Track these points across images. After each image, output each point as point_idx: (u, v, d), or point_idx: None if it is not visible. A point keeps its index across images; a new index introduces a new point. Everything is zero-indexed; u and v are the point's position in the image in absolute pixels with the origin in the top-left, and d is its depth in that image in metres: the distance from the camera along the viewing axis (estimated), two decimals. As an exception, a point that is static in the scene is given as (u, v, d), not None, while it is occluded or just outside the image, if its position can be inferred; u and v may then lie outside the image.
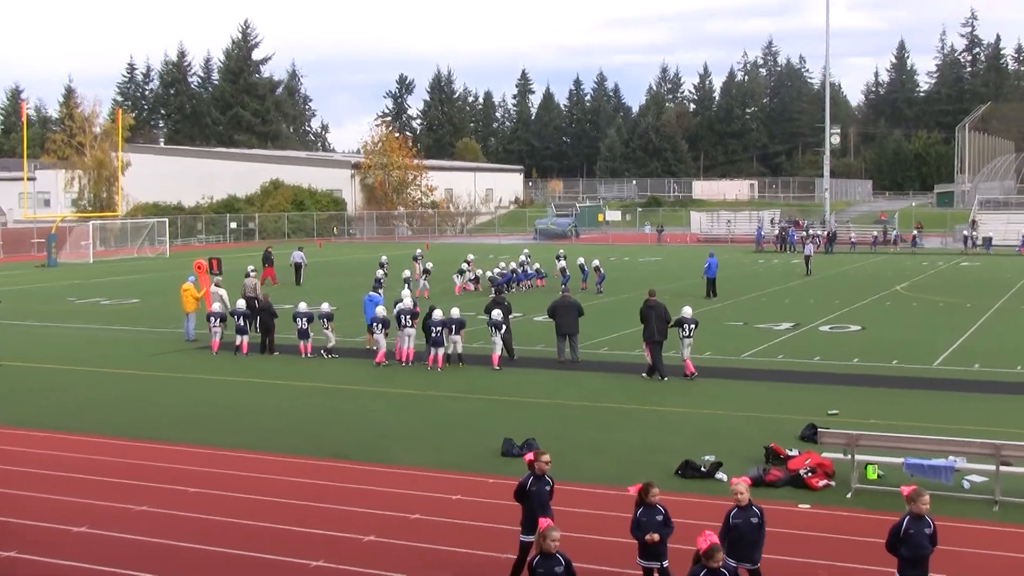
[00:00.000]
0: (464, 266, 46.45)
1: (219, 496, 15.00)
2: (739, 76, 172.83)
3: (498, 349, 25.98)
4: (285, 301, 39.42)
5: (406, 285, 37.41)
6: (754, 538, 10.14)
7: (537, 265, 48.48)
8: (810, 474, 15.27)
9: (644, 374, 24.17)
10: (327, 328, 28.03)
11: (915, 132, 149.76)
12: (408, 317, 26.61)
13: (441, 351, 25.66)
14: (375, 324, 26.91)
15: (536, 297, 41.40)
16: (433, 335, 25.65)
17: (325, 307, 28.82)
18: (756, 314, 36.20)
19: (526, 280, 46.28)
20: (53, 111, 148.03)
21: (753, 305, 39.24)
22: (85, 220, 79.82)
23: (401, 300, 27.93)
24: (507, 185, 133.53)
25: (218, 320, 29.70)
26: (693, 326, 24.18)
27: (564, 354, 26.47)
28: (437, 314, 25.98)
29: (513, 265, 46.94)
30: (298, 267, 51.03)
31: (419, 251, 52.96)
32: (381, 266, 47.13)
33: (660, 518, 10.36)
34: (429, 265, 45.89)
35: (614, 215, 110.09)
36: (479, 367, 25.96)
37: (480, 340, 29.28)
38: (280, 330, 30.48)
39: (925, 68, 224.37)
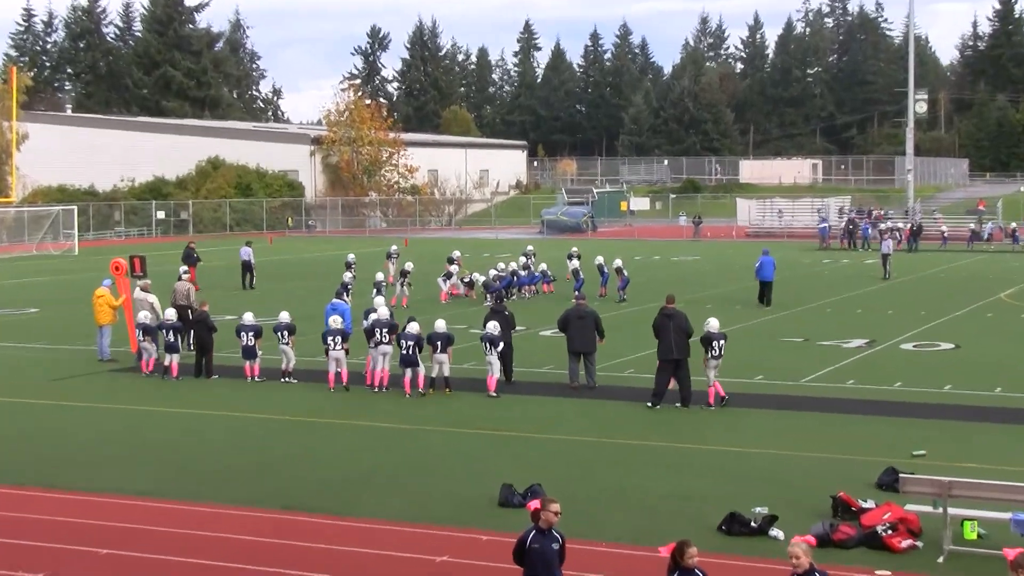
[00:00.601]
0: (452, 267, 46.71)
1: (139, 559, 14.92)
2: (798, 28, 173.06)
3: (495, 371, 26.05)
4: (227, 310, 39.43)
5: (378, 291, 37.43)
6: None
7: (544, 266, 48.67)
8: (890, 532, 15.22)
9: (678, 404, 24.20)
10: (286, 343, 28.12)
11: None
12: (385, 331, 26.66)
13: (421, 372, 25.75)
14: (329, 339, 26.97)
15: (543, 306, 41.69)
16: (404, 352, 25.77)
17: (285, 317, 28.83)
18: (820, 328, 36.23)
19: (530, 285, 46.73)
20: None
21: (816, 317, 39.32)
22: (-29, 208, 79.78)
23: (374, 310, 28.02)
24: (507, 165, 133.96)
25: (141, 333, 29.68)
26: (722, 342, 24.28)
27: (578, 378, 26.55)
28: (412, 327, 26.11)
29: (514, 266, 47.05)
30: (247, 267, 51.18)
31: (395, 248, 52.90)
32: (348, 267, 47.26)
33: (700, 587, 10.31)
34: (409, 265, 45.68)
35: (641, 203, 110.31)
36: (471, 393, 26.00)
37: (473, 359, 29.30)
38: (220, 347, 30.44)
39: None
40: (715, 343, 24.17)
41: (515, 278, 45.57)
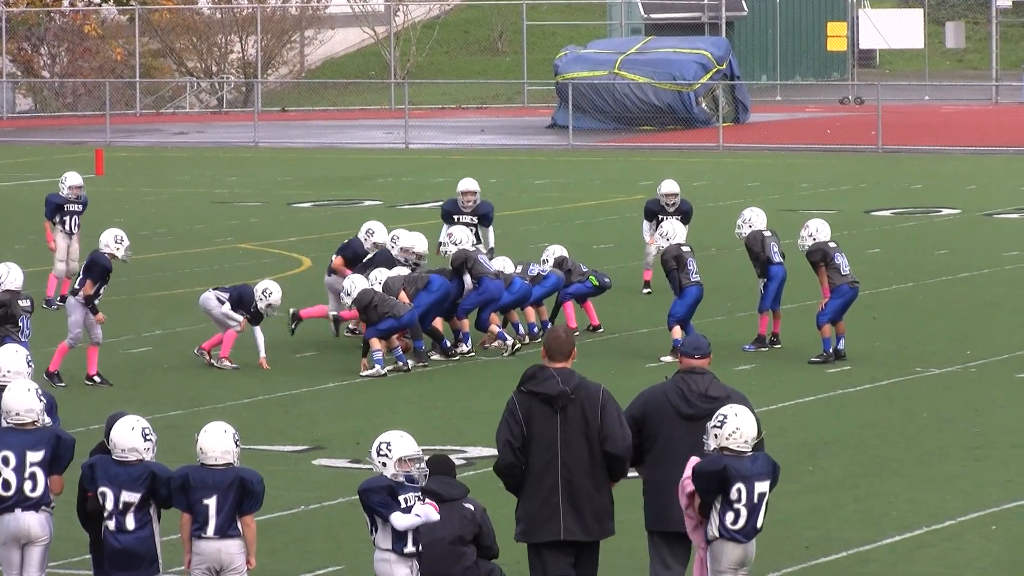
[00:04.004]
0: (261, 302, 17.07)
1: None
2: None
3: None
4: None
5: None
6: None
7: (557, 251, 18.19)
8: None
9: None
10: None
11: None
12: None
13: None
14: None
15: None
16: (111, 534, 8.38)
17: None
18: None
19: (531, 304, 17.95)
20: None
21: None
22: None
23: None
24: None
25: None
26: (760, 486, 8.33)
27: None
28: (125, 441, 8.53)
29: (468, 241, 17.62)
30: None
31: (75, 183, 20.77)
32: None
33: None
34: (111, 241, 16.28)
35: (895, 30, 48.56)
36: None
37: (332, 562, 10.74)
38: None
39: None
40: (737, 486, 8.21)
41: (462, 280, 17.17)
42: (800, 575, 10.50)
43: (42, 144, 42.49)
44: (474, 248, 17.32)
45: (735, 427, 8.14)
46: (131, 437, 8.56)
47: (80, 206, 20.67)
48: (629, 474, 8.68)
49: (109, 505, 8.53)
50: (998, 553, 11.05)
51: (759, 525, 8.17)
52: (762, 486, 8.15)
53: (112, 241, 16.08)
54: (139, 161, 39.29)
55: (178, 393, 15.88)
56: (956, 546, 11.25)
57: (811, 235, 16.92)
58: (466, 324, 17.16)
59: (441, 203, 20.12)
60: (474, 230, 18.78)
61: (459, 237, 17.24)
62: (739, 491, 8.11)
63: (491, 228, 19.40)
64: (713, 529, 8.17)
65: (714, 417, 8.24)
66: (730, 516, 8.11)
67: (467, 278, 17.11)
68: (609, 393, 8.45)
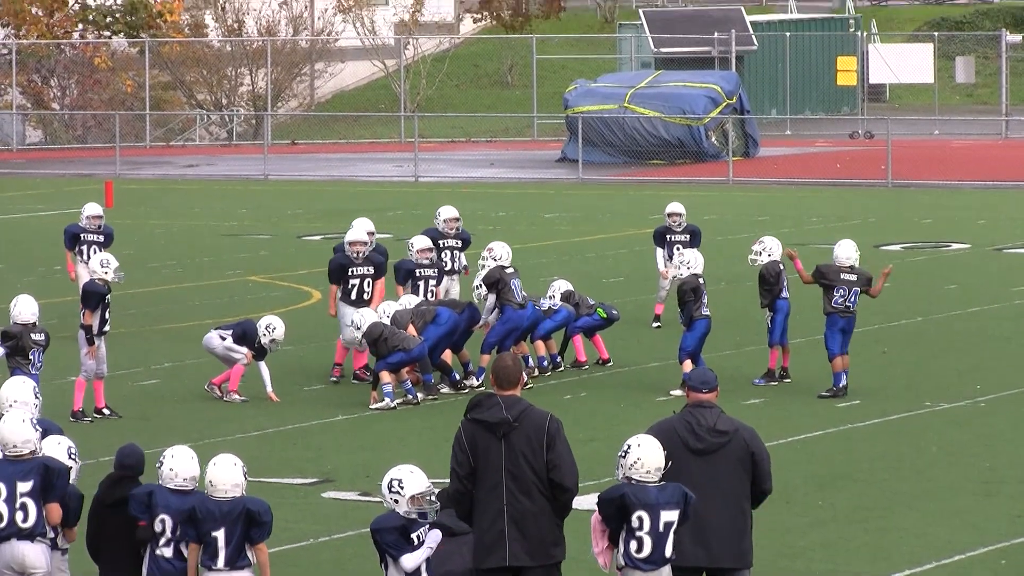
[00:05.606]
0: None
1: None
2: None
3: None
4: None
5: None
6: None
7: (561, 286, 17.79)
8: None
9: None
10: None
11: None
12: None
13: None
14: None
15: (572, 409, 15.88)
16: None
17: None
18: None
19: (537, 334, 17.63)
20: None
21: None
22: None
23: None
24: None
25: None
26: (669, 515, 8.13)
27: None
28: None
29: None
30: None
31: (94, 212, 20.73)
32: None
33: None
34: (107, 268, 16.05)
35: (907, 65, 47.83)
36: None
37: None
38: None
39: None
40: (638, 515, 8.01)
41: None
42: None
43: (52, 176, 41.87)
44: (512, 271, 17.03)
45: (636, 457, 8.13)
46: (192, 465, 8.52)
47: (101, 236, 20.46)
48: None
49: (168, 533, 8.44)
50: (1007, 587, 10.90)
51: (668, 554, 8.11)
52: (669, 515, 8.09)
53: (98, 267, 16.08)
54: (149, 193, 38.74)
55: (187, 425, 15.58)
56: (966, 580, 11.12)
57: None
58: (486, 359, 16.60)
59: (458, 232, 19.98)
60: (458, 253, 19.11)
61: (499, 253, 17.05)
62: (640, 519, 8.09)
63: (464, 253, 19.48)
64: (619, 557, 8.14)
65: (621, 446, 8.23)
66: (633, 544, 8.11)
67: (489, 296, 16.94)
68: (559, 423, 8.35)
